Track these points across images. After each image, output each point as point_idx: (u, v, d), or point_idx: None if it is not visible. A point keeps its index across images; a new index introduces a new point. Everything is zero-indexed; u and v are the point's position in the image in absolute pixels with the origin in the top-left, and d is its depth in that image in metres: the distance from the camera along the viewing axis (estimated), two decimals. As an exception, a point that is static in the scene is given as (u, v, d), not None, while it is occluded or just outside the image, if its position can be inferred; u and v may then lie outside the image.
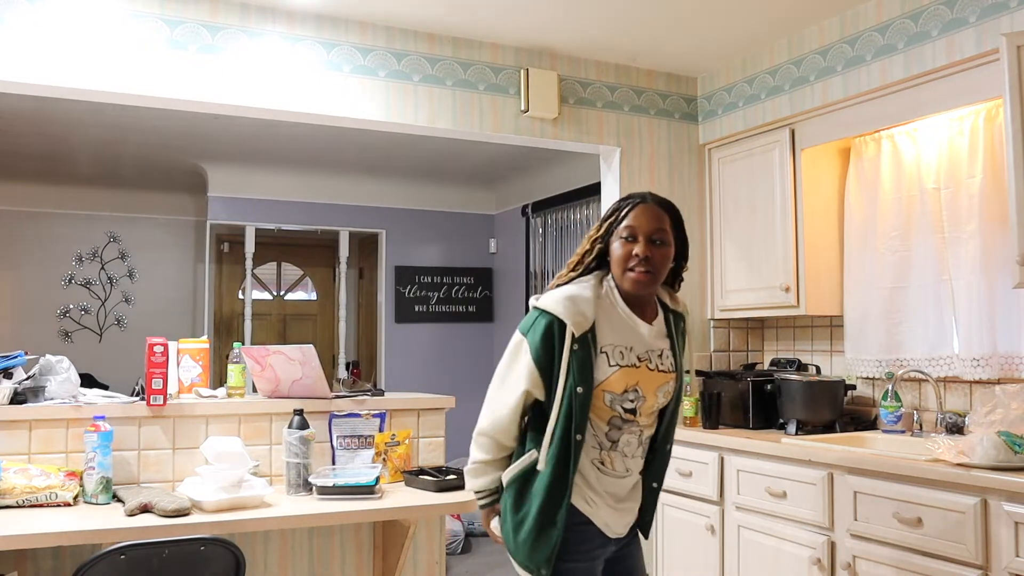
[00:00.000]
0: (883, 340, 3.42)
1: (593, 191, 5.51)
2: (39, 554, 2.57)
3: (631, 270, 1.98)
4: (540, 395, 1.97)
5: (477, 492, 2.10)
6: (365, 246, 7.51)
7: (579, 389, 1.91)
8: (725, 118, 4.01)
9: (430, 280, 7.09)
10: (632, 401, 1.97)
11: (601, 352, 1.95)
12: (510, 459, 2.04)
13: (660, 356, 2.03)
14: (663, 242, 2.00)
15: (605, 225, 2.04)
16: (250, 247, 6.75)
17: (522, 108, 3.70)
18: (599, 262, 2.06)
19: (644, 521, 2.11)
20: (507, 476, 2.02)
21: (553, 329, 1.94)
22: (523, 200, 6.74)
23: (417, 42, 3.53)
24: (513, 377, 1.99)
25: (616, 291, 2.02)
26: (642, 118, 4.02)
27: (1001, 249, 2.97)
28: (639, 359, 1.99)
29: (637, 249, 1.97)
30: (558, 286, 2.04)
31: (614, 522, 2.01)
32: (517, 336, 2.02)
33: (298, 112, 3.36)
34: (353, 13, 3.36)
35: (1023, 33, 2.61)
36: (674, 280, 2.14)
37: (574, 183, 5.94)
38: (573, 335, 1.92)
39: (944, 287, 3.22)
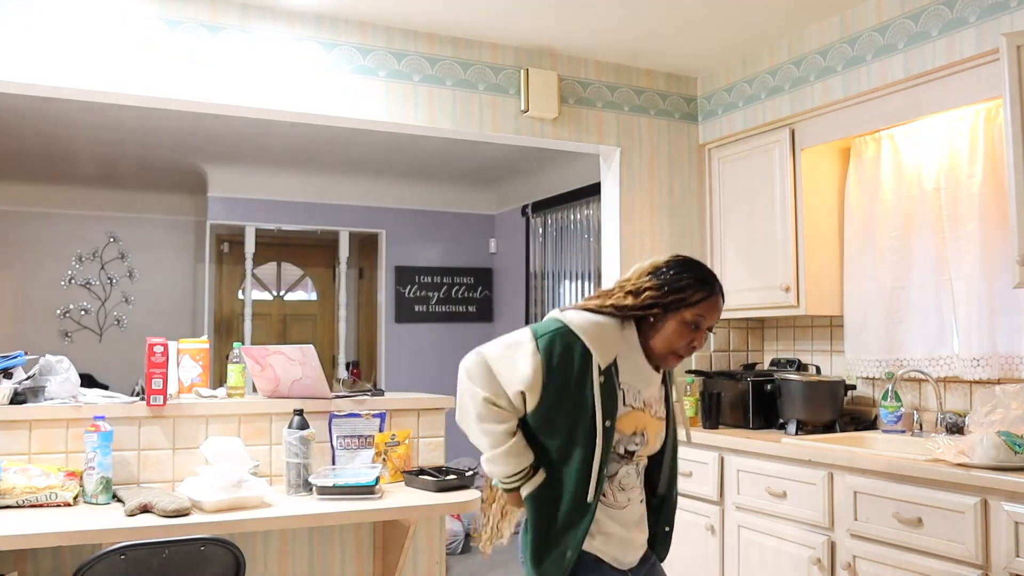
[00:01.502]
0: (883, 340, 3.42)
1: (593, 191, 5.51)
2: (39, 554, 2.57)
3: (677, 354, 1.99)
4: (532, 402, 1.92)
5: (515, 473, 1.96)
6: (365, 246, 7.51)
7: (607, 423, 1.90)
8: (725, 118, 4.01)
9: (430, 280, 7.09)
10: (637, 444, 1.98)
11: (620, 388, 1.94)
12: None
13: (657, 402, 2.04)
14: (713, 329, 2.04)
15: (671, 298, 1.95)
16: (250, 247, 6.75)
17: (522, 108, 3.70)
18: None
19: (658, 554, 2.13)
20: (525, 491, 1.97)
21: (574, 352, 1.91)
22: (523, 200, 6.74)
23: (417, 42, 3.53)
24: (517, 364, 1.92)
25: (637, 340, 1.99)
26: (642, 118, 4.02)
27: (1001, 249, 2.97)
28: (645, 403, 2.00)
29: (696, 341, 1.98)
30: (584, 309, 2.00)
31: (622, 554, 1.99)
32: (526, 334, 1.96)
33: (298, 112, 3.36)
34: (353, 13, 3.36)
35: (1023, 33, 2.61)
36: None
37: (574, 183, 5.94)
38: (599, 367, 1.90)
39: (944, 287, 3.22)
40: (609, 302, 1.99)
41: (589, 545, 1.95)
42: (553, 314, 2.00)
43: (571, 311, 1.99)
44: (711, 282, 1.99)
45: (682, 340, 1.97)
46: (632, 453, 1.98)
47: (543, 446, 1.96)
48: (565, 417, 1.91)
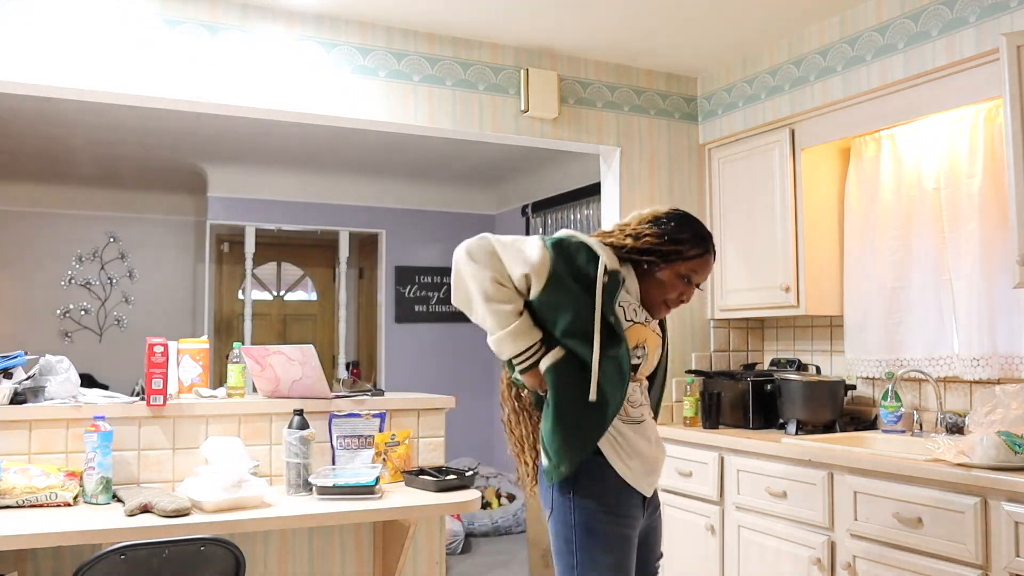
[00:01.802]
0: (883, 340, 3.42)
1: (593, 191, 5.51)
2: (39, 554, 2.57)
3: (667, 304, 2.09)
4: (536, 287, 1.94)
5: (529, 348, 1.98)
6: (365, 246, 7.51)
7: (611, 319, 1.95)
8: (725, 118, 4.01)
9: (430, 280, 7.09)
10: (639, 358, 2.05)
11: (619, 304, 2.01)
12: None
13: (654, 322, 2.15)
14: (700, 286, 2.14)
15: (669, 248, 2.04)
16: (250, 247, 6.75)
17: (522, 108, 3.70)
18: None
19: None
20: (546, 363, 1.98)
21: (580, 253, 1.96)
22: (523, 200, 6.74)
23: (417, 42, 3.53)
24: (524, 251, 1.96)
25: (635, 279, 2.08)
26: (642, 118, 4.02)
27: (1001, 249, 2.97)
28: (645, 319, 2.08)
29: (686, 295, 2.09)
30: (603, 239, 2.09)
31: (649, 470, 2.05)
32: (533, 235, 2.01)
33: (298, 112, 3.36)
34: (353, 13, 3.36)
35: (1023, 33, 2.61)
36: None
37: (574, 183, 5.94)
38: (605, 266, 1.95)
39: (944, 287, 3.22)
40: (609, 240, 2.07)
41: (624, 468, 2.00)
42: (563, 232, 2.06)
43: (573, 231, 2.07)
44: (708, 240, 2.09)
45: (673, 292, 2.07)
46: (636, 367, 2.05)
47: (548, 335, 2.00)
48: (570, 308, 1.95)
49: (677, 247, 2.04)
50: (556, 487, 2.00)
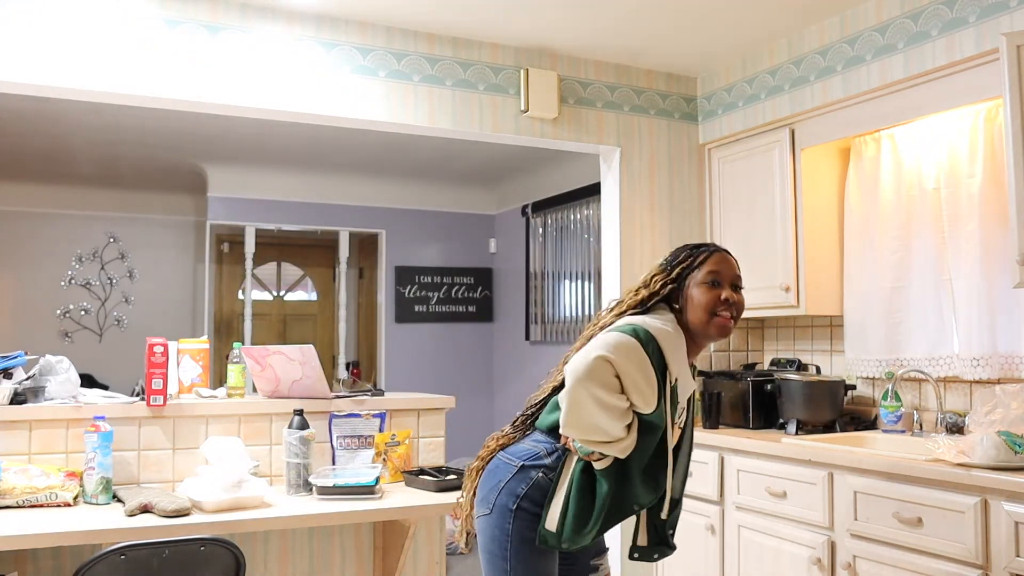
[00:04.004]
0: (883, 340, 3.42)
1: (593, 191, 5.51)
2: (39, 554, 2.57)
3: (717, 315, 1.97)
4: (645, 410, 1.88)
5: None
6: (365, 246, 7.51)
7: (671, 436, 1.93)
8: (725, 118, 4.01)
9: (430, 280, 7.09)
10: None
11: (679, 402, 1.96)
12: None
13: (682, 411, 2.04)
14: (742, 288, 2.05)
15: (677, 271, 2.01)
16: (250, 247, 6.75)
17: (522, 108, 3.70)
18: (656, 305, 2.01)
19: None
20: (600, 466, 1.91)
21: (657, 361, 1.87)
22: (523, 200, 6.74)
23: (417, 42, 3.53)
24: (646, 386, 1.86)
25: (684, 341, 1.99)
26: (642, 118, 4.02)
27: (1001, 249, 2.97)
28: (673, 419, 1.99)
29: (725, 294, 1.98)
30: (631, 314, 1.98)
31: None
32: (632, 342, 1.87)
33: (298, 112, 3.36)
34: (353, 13, 3.36)
35: (1023, 33, 2.61)
36: None
37: (574, 183, 5.94)
38: (670, 377, 1.89)
39: (944, 287, 3.22)
40: (627, 304, 2.01)
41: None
42: (636, 321, 1.93)
43: (648, 320, 1.94)
44: (708, 243, 2.07)
45: (709, 297, 1.97)
46: None
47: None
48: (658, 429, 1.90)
49: (682, 264, 2.01)
50: (504, 492, 1.95)
